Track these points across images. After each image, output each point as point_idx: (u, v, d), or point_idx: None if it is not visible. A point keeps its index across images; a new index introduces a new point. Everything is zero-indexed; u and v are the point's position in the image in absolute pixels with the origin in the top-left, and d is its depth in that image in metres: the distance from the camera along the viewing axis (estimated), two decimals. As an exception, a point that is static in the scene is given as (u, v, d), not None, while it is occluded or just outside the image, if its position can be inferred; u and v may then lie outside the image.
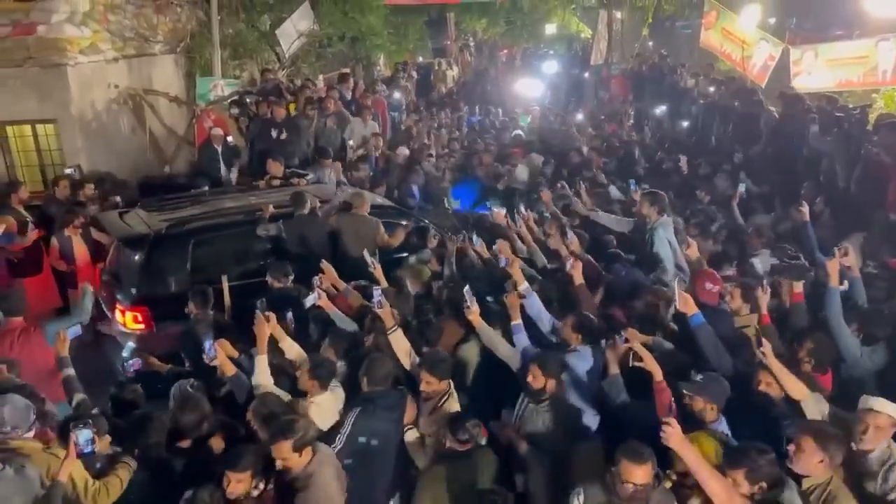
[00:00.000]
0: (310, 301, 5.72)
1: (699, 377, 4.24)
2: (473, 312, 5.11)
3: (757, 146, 9.70)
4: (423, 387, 4.57)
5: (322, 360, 4.83)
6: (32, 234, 7.85)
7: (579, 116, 13.75)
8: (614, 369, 4.65)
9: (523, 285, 5.35)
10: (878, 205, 7.56)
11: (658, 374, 4.31)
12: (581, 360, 4.91)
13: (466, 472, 4.09)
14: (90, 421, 3.73)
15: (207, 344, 4.82)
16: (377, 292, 5.14)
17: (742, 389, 4.37)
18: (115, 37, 11.20)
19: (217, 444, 4.32)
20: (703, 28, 15.30)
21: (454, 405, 4.63)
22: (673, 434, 3.49)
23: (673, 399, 4.19)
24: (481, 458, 4.17)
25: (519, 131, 13.26)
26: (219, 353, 4.81)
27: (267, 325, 4.86)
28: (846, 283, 5.20)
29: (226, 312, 6.34)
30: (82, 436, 3.65)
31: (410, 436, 4.57)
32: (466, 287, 5.27)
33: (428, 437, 4.54)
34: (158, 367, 5.35)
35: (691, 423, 4.02)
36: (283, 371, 5.04)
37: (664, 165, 9.86)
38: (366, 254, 6.33)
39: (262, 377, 4.76)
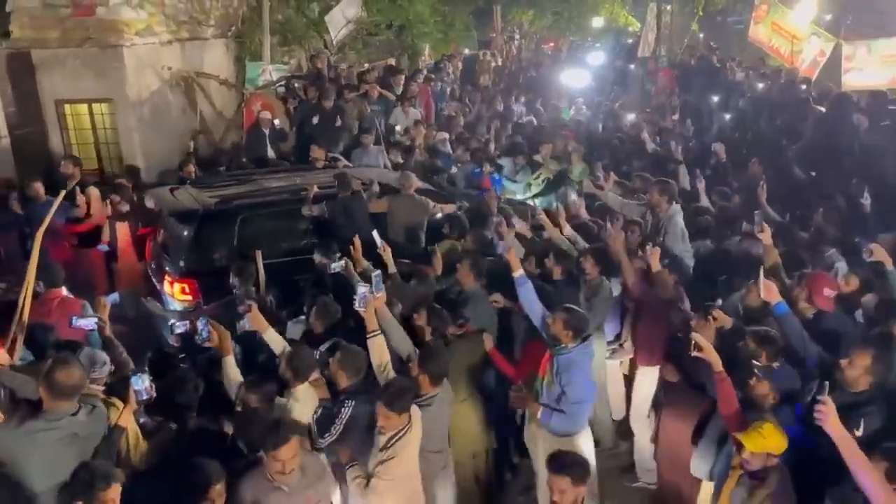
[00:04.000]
0: (335, 268, 5.83)
1: (775, 364, 4.25)
2: None
3: (803, 141, 9.54)
4: (380, 421, 4.11)
5: (300, 350, 4.60)
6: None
7: (630, 116, 13.68)
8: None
9: (518, 272, 5.17)
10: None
11: (717, 364, 4.22)
12: (578, 359, 4.79)
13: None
14: (146, 369, 3.91)
15: (200, 324, 4.62)
16: (361, 290, 4.62)
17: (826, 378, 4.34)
18: (170, 20, 11.51)
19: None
20: (752, 22, 15.08)
21: (414, 439, 4.21)
22: (829, 414, 3.37)
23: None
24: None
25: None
26: (211, 335, 4.62)
27: (225, 334, 4.63)
28: None
29: (260, 287, 6.43)
30: (140, 382, 3.85)
31: (352, 473, 4.16)
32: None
33: (374, 477, 4.11)
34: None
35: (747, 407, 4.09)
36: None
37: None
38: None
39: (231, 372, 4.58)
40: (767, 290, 4.73)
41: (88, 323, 4.70)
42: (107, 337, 4.75)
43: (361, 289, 4.64)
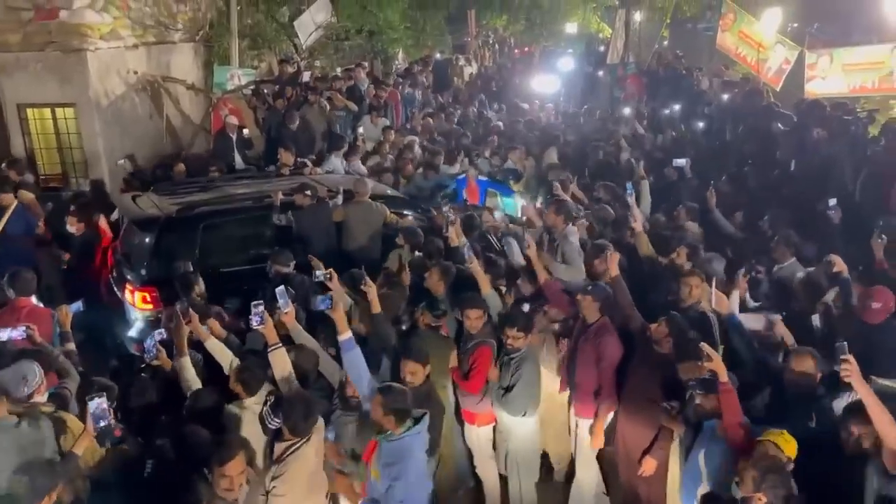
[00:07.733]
0: (320, 276, 5.53)
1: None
2: None
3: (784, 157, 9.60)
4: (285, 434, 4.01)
5: (250, 363, 4.53)
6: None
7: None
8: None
9: (345, 335, 4.54)
10: (879, 209, 7.57)
11: (723, 374, 4.11)
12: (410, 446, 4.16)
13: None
14: (104, 393, 3.79)
15: (149, 342, 4.72)
16: (256, 310, 4.48)
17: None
18: (135, 24, 11.38)
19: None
20: (719, 30, 15.26)
21: (310, 452, 4.03)
22: (854, 370, 3.68)
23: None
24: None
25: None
26: (159, 355, 4.74)
27: (186, 327, 4.67)
28: None
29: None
30: (96, 406, 3.65)
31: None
32: None
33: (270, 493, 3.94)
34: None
35: None
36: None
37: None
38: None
39: (187, 375, 4.62)
40: (719, 301, 4.84)
41: (19, 333, 4.60)
42: (38, 344, 4.64)
43: (257, 307, 4.50)
